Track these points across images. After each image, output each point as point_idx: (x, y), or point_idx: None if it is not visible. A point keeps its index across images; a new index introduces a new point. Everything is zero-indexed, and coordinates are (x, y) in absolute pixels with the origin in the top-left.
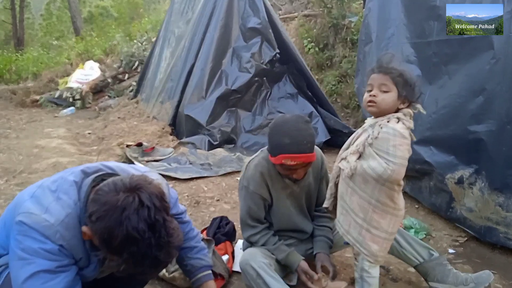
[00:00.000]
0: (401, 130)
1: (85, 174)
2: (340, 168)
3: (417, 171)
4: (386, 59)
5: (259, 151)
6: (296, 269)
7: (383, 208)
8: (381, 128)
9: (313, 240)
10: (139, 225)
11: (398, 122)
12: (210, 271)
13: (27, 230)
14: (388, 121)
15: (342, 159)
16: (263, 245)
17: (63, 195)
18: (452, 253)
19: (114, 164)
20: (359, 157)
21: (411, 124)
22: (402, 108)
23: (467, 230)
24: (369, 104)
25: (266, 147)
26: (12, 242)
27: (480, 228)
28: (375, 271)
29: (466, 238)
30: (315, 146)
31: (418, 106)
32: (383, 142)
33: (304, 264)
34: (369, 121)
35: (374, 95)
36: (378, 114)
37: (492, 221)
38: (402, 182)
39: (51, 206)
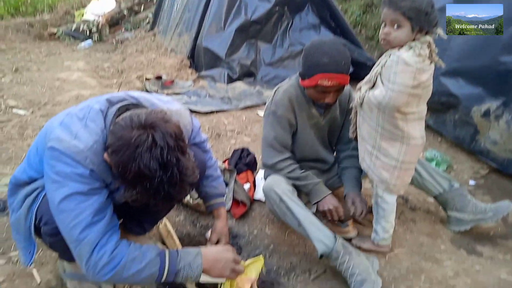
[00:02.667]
0: (406, 57)
1: (110, 103)
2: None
3: (442, 103)
4: None
5: (287, 79)
6: (320, 201)
7: (390, 136)
8: (389, 56)
9: (343, 178)
10: (151, 163)
11: (409, 50)
12: (223, 199)
13: (59, 156)
14: (398, 50)
15: (358, 89)
16: (289, 172)
17: (90, 123)
18: (472, 185)
19: (138, 94)
20: (373, 87)
21: (425, 51)
22: (419, 38)
23: (490, 163)
24: (383, 42)
25: (294, 75)
26: (46, 167)
27: (503, 161)
28: (390, 198)
29: (487, 171)
30: None
31: (438, 30)
32: (387, 69)
33: (330, 200)
34: (388, 51)
35: (386, 33)
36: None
37: None
38: (408, 110)
39: (80, 133)
